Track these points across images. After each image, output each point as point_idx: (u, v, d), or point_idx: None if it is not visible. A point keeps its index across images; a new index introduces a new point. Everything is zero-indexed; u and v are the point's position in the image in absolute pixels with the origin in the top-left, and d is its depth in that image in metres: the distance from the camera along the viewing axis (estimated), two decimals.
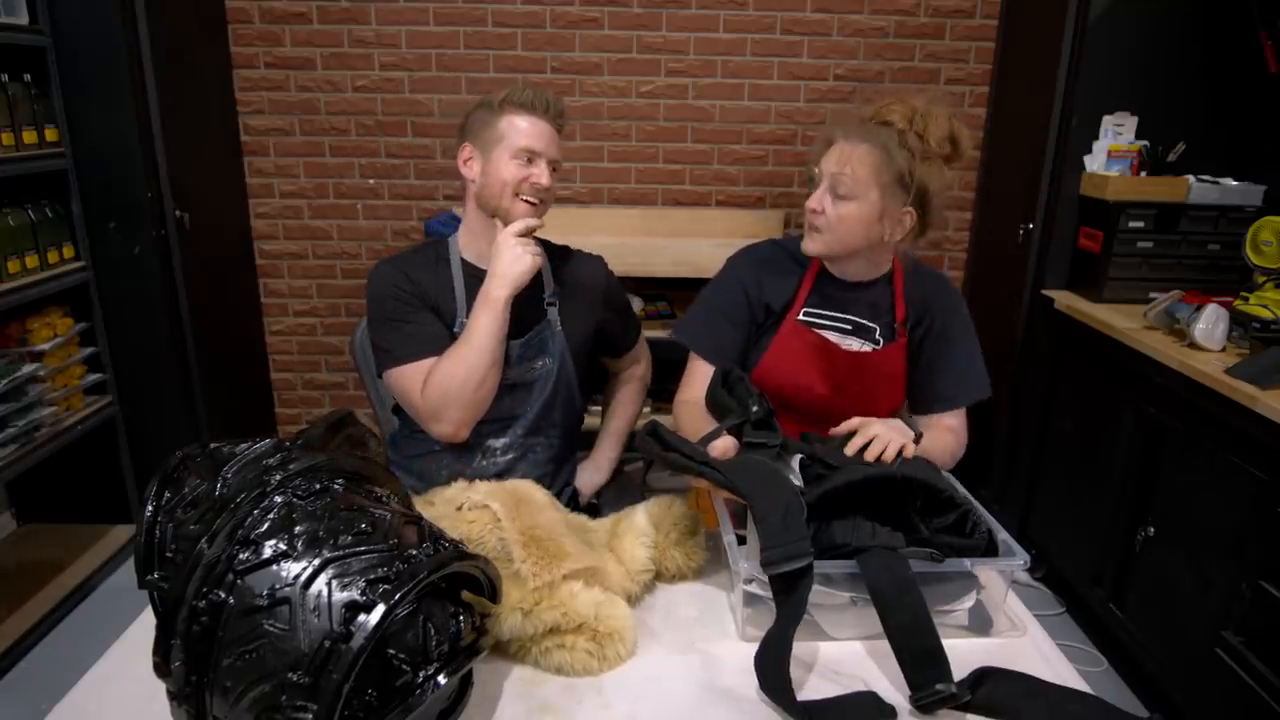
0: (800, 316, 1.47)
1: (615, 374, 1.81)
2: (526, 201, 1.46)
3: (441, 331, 1.49)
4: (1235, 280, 2.20)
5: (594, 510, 1.69)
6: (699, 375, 1.48)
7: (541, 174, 1.46)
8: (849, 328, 1.47)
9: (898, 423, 1.24)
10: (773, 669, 0.97)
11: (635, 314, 1.80)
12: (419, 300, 1.49)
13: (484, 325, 1.41)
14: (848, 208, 1.34)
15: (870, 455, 1.16)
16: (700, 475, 1.14)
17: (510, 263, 1.42)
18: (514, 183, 1.45)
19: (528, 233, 1.45)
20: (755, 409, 1.22)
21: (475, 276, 1.50)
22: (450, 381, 1.42)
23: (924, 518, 1.14)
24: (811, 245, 1.41)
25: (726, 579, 1.21)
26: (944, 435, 1.45)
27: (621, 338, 1.73)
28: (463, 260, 1.55)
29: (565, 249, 1.66)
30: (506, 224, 1.45)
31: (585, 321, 1.61)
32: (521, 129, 1.45)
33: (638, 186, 2.99)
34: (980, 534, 1.11)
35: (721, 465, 1.12)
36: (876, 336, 1.47)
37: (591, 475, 1.71)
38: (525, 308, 1.49)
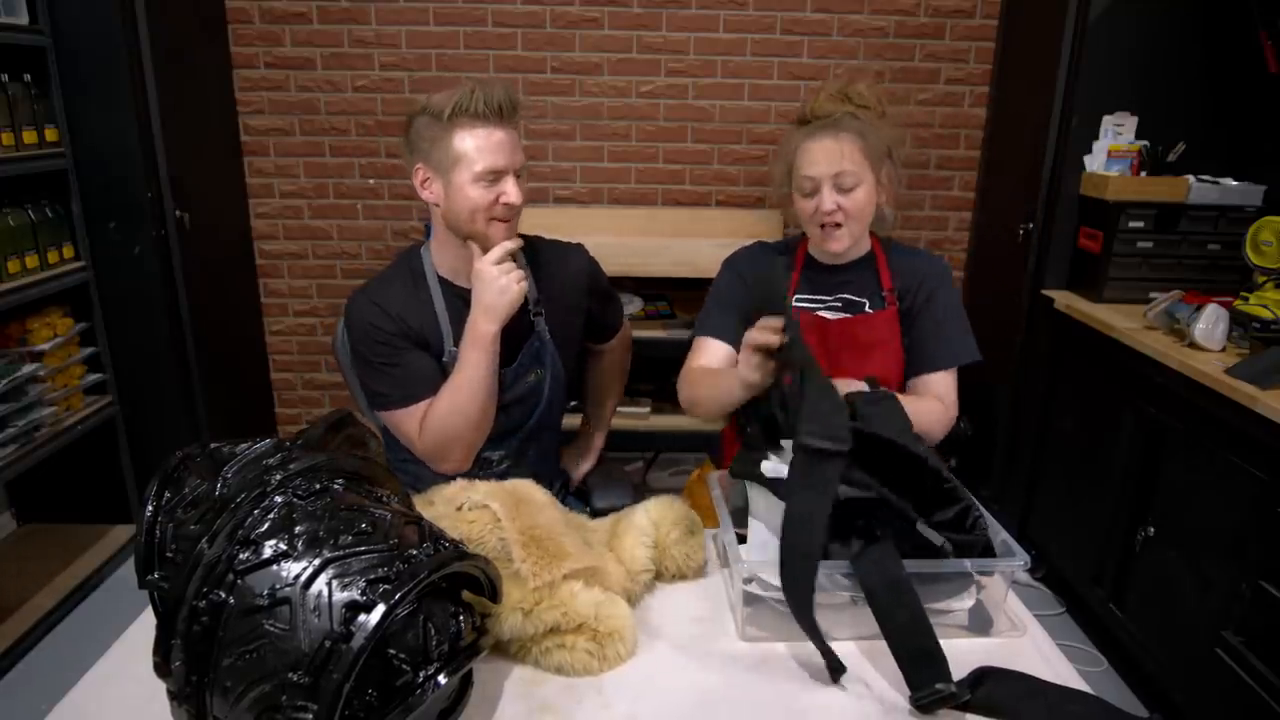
0: (793, 304, 1.50)
1: (598, 354, 1.75)
2: (501, 220, 1.38)
3: (431, 366, 1.43)
4: (1235, 280, 2.19)
5: (584, 495, 1.68)
6: (705, 349, 1.53)
7: (511, 191, 1.36)
8: (839, 305, 1.53)
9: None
10: (800, 581, 0.98)
11: (617, 295, 1.72)
12: (403, 338, 1.41)
13: (476, 364, 1.36)
14: (858, 195, 1.42)
15: None
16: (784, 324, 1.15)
17: (497, 294, 1.34)
18: (484, 207, 1.35)
19: (507, 257, 1.37)
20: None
21: (457, 296, 1.45)
22: (448, 424, 1.38)
23: (927, 511, 1.14)
24: (839, 243, 1.45)
25: (726, 579, 1.21)
26: (931, 403, 1.48)
27: (606, 321, 1.68)
28: (440, 278, 1.47)
29: (540, 241, 1.57)
30: (484, 248, 1.37)
31: (574, 319, 1.57)
32: (480, 147, 1.33)
33: (638, 186, 2.99)
34: (980, 529, 1.11)
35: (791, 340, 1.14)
36: (867, 310, 1.52)
37: (581, 462, 1.70)
38: (513, 327, 1.42)
